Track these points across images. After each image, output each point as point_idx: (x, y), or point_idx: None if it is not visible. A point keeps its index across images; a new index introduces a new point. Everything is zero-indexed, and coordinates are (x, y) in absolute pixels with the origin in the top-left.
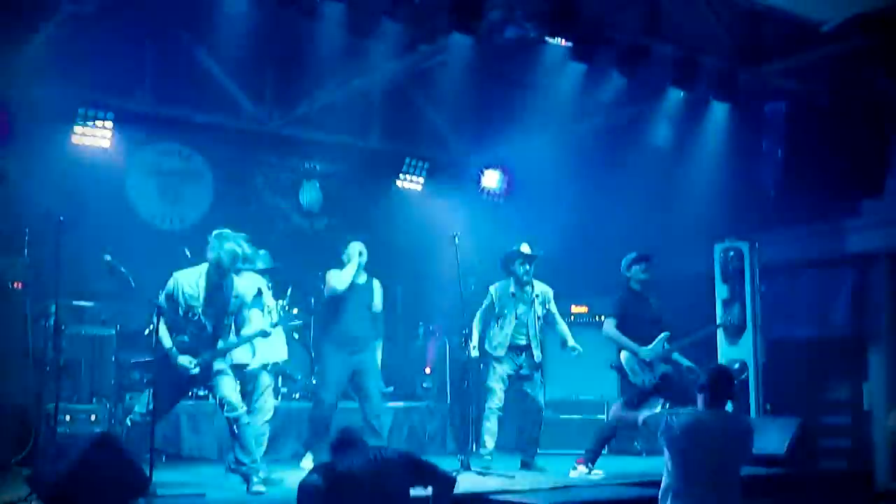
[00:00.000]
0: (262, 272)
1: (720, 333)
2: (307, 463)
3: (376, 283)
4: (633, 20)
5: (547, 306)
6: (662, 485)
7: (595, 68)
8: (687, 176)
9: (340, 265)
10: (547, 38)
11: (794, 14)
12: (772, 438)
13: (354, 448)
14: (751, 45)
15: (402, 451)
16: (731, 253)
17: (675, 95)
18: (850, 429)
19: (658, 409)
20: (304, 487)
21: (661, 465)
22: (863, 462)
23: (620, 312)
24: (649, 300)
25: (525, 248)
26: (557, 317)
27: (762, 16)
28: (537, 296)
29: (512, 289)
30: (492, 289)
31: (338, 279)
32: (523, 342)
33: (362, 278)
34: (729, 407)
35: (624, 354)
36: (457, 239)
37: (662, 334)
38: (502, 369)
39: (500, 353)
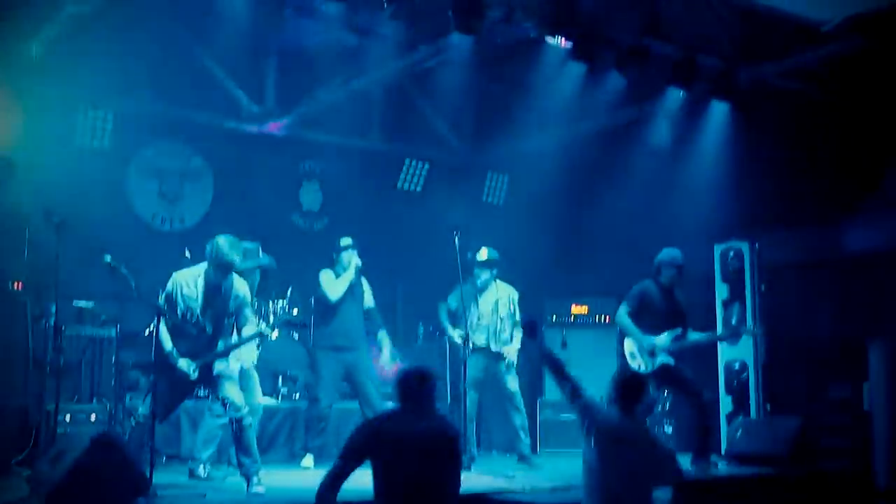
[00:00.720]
0: (262, 270)
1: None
2: (308, 462)
3: (365, 282)
4: (632, 20)
5: (511, 308)
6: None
7: (595, 68)
8: (687, 176)
9: (333, 264)
10: (547, 38)
11: (794, 14)
12: (772, 438)
13: (420, 408)
14: (750, 45)
15: (456, 430)
16: (732, 253)
17: (675, 95)
18: (851, 429)
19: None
20: (363, 426)
21: None
22: (863, 462)
23: (637, 301)
24: (674, 293)
25: (482, 255)
26: (516, 319)
27: (762, 16)
28: (499, 298)
29: (474, 293)
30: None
31: (332, 288)
32: (483, 343)
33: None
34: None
35: (627, 341)
36: (457, 239)
37: (674, 329)
38: (470, 373)
39: (467, 355)
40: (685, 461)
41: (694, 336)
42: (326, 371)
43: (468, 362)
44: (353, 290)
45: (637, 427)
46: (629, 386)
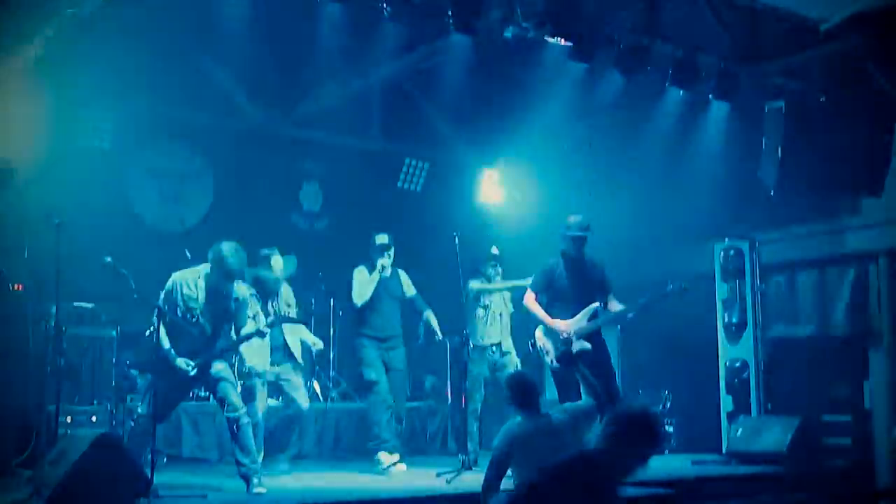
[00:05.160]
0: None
1: (721, 332)
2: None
3: (401, 273)
4: (632, 19)
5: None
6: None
7: (595, 68)
8: (687, 175)
9: (363, 262)
10: (547, 38)
11: (794, 13)
12: (773, 437)
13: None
14: (750, 43)
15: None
16: (732, 252)
17: (675, 95)
18: (851, 427)
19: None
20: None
21: (661, 464)
22: (863, 460)
23: (541, 281)
24: (587, 266)
25: (493, 250)
26: None
27: (761, 15)
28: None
29: (484, 290)
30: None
31: (359, 292)
32: (496, 340)
33: (387, 272)
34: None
35: (538, 331)
36: (457, 239)
37: (589, 307)
38: (477, 368)
39: (475, 353)
40: (684, 461)
41: (617, 308)
42: (373, 358)
43: (475, 360)
44: (388, 285)
45: (549, 419)
46: (520, 386)
